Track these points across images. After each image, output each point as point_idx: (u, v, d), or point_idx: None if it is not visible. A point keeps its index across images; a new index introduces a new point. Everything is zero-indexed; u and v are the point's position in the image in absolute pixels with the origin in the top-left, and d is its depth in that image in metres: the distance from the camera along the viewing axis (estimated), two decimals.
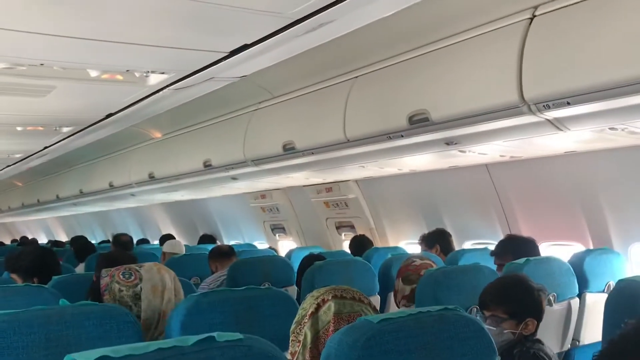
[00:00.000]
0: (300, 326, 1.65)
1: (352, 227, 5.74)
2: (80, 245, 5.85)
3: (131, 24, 2.50)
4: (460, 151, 3.48)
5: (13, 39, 2.60)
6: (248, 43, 2.76)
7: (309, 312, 1.65)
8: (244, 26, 2.55)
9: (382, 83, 3.39)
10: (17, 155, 6.91)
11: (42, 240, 14.75)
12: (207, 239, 7.64)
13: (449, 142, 3.26)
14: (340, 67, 3.72)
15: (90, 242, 6.78)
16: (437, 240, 4.29)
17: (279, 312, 2.05)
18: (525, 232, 4.10)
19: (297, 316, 1.69)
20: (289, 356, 1.67)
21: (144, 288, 2.04)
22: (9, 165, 7.93)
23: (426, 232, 4.48)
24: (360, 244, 4.96)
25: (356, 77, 3.60)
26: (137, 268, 2.09)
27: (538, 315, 2.24)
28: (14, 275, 3.15)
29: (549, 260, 2.97)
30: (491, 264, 3.23)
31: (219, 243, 7.50)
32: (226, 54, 2.91)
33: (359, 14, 2.53)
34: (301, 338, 1.64)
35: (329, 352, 1.29)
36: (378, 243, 5.42)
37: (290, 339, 1.67)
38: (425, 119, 3.01)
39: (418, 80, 3.13)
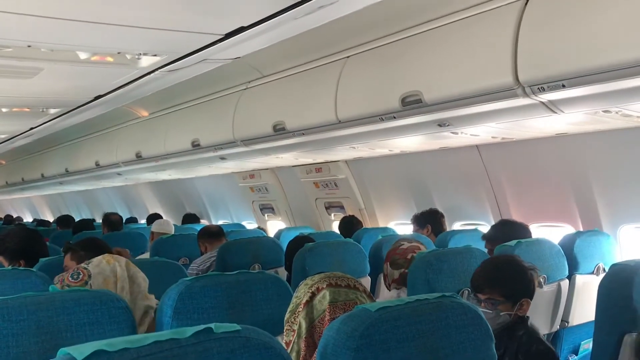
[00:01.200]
0: (294, 315, 1.64)
1: (341, 207, 5.73)
2: (78, 224, 6.05)
3: (123, 5, 2.42)
4: (453, 133, 3.46)
5: None
6: (245, 25, 2.68)
7: (304, 301, 1.63)
8: (241, 8, 2.48)
9: (374, 63, 3.35)
10: (2, 136, 6.81)
11: (27, 218, 14.63)
12: (191, 218, 7.50)
13: (442, 124, 3.24)
14: (332, 46, 3.66)
15: (89, 220, 6.78)
16: (428, 220, 4.29)
17: (271, 295, 2.04)
18: (515, 213, 4.12)
19: (291, 305, 1.67)
20: (283, 345, 1.65)
21: (94, 284, 2.06)
22: None
23: (416, 212, 4.48)
24: (350, 225, 4.96)
25: (348, 56, 3.55)
26: (84, 266, 2.12)
27: (531, 295, 2.24)
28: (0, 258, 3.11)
29: (539, 242, 2.98)
30: (481, 245, 3.24)
31: (202, 222, 7.45)
32: (221, 36, 2.84)
33: None
34: (296, 327, 1.62)
35: (327, 342, 1.28)
36: (367, 224, 5.42)
37: (285, 328, 1.66)
38: (418, 100, 2.98)
39: (411, 61, 3.09)
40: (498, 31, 2.61)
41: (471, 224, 4.56)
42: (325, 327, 1.53)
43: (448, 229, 4.37)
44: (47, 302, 1.66)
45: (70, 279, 2.07)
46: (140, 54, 3.15)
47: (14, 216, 13.90)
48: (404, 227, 5.11)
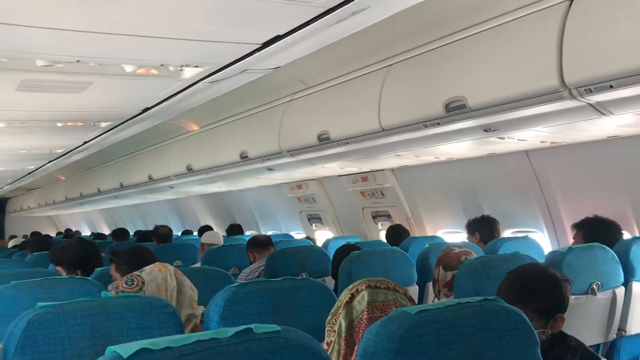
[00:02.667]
0: (335, 317, 1.67)
1: (388, 216, 5.71)
2: (140, 236, 6.54)
3: (164, 18, 2.52)
4: (499, 138, 3.41)
5: (49, 37, 2.65)
6: (280, 34, 2.74)
7: (344, 302, 1.66)
8: (275, 17, 2.54)
9: (417, 70, 3.35)
10: (59, 151, 7.09)
11: (86, 232, 15.17)
12: (235, 228, 7.51)
13: (487, 129, 3.20)
14: (374, 55, 3.68)
15: (149, 231, 7.05)
16: (477, 228, 4.21)
17: (316, 302, 2.05)
18: (567, 219, 4.01)
19: (333, 308, 1.70)
20: (325, 346, 1.67)
21: (148, 290, 2.14)
22: (51, 161, 8.16)
23: (465, 220, 4.41)
24: (397, 234, 4.93)
25: (391, 64, 3.56)
26: (138, 274, 2.21)
27: (565, 309, 2.02)
28: (58, 268, 3.25)
29: (591, 248, 2.89)
30: (532, 252, 3.16)
31: (247, 233, 7.52)
32: (259, 46, 2.91)
33: (392, 0, 2.49)
34: (336, 328, 1.65)
35: (367, 344, 1.28)
36: (415, 232, 5.38)
37: (326, 329, 1.68)
38: (462, 105, 2.96)
39: (454, 66, 3.07)
40: (542, 33, 2.57)
41: (522, 231, 4.46)
42: (363, 327, 1.55)
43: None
44: (100, 307, 1.72)
45: (124, 285, 2.15)
46: (183, 65, 3.24)
47: (73, 230, 14.45)
48: (452, 236, 5.05)
